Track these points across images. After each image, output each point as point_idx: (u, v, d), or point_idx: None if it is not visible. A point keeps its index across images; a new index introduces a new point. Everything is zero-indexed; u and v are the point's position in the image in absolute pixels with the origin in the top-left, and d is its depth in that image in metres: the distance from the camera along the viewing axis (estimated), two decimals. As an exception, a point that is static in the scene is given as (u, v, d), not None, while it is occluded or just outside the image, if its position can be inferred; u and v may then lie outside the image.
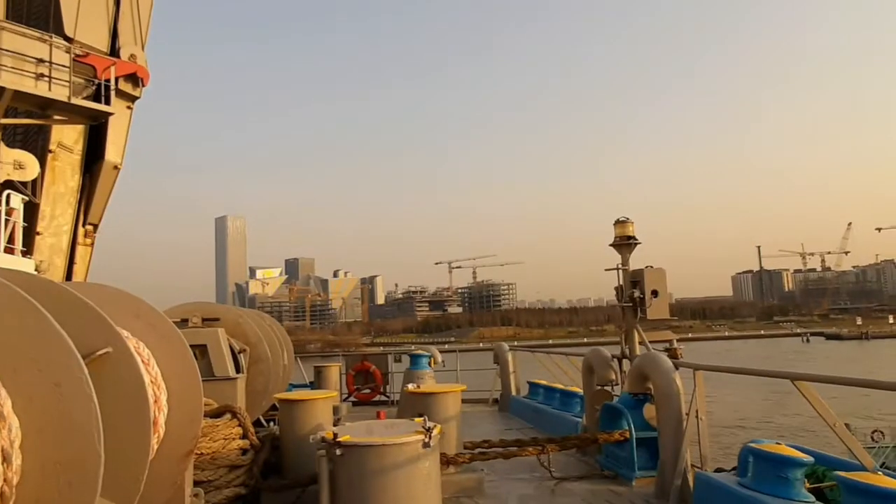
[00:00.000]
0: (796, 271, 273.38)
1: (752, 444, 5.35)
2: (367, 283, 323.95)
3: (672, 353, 6.59)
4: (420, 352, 12.55)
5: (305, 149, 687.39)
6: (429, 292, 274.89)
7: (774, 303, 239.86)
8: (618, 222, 7.60)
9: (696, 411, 5.86)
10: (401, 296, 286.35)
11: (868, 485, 4.04)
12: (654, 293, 7.08)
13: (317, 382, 13.45)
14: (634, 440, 6.58)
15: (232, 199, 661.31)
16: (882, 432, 20.28)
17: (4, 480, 2.19)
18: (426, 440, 4.95)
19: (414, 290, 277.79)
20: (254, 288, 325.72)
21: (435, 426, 5.13)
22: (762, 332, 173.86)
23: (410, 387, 7.10)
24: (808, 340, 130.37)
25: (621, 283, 7.54)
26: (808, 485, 5.04)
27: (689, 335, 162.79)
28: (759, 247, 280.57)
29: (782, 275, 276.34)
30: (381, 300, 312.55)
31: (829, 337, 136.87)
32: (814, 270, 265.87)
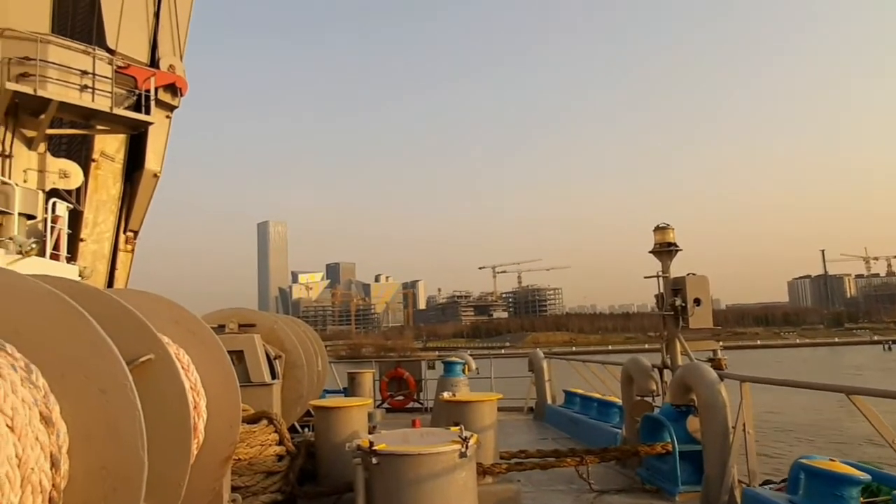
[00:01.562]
0: (857, 276, 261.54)
1: (804, 460, 5.11)
2: (409, 288, 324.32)
3: (716, 364, 6.37)
4: (454, 359, 12.46)
5: (344, 153, 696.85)
6: (473, 297, 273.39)
7: (842, 309, 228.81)
8: (657, 228, 7.40)
9: (744, 424, 5.64)
10: (444, 300, 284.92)
11: None
12: (697, 301, 6.87)
13: (350, 388, 13.48)
14: (678, 453, 6.37)
15: (273, 204, 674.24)
16: None
17: (53, 485, 2.19)
18: (463, 450, 4.87)
19: (459, 294, 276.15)
20: (297, 292, 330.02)
21: (471, 436, 5.05)
22: (836, 339, 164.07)
23: (446, 395, 7.03)
24: (889, 348, 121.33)
25: (662, 290, 7.34)
26: (862, 500, 4.80)
27: (758, 342, 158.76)
28: (823, 251, 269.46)
29: (844, 280, 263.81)
30: (422, 305, 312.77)
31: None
32: (877, 276, 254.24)
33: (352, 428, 6.69)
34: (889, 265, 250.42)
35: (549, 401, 12.94)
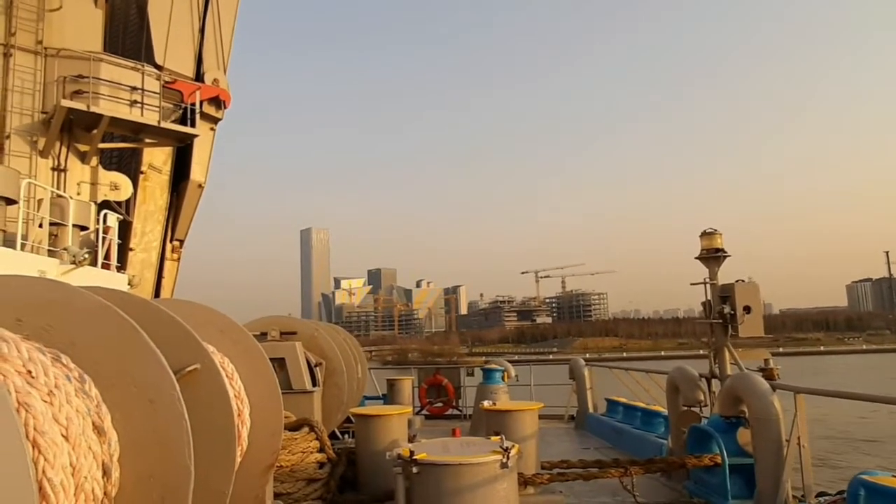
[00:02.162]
0: None
1: (865, 476, 4.86)
2: (451, 293, 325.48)
3: (768, 374, 6.13)
4: (493, 366, 12.37)
5: (385, 161, 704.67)
6: (516, 302, 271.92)
7: None
8: (704, 234, 7.19)
9: (798, 438, 5.40)
10: (487, 305, 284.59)
11: None
12: (747, 309, 6.62)
13: (389, 395, 13.53)
14: (727, 466, 6.14)
15: (315, 211, 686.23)
16: None
17: (105, 493, 2.24)
18: (504, 460, 4.80)
19: (502, 299, 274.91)
20: (340, 298, 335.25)
21: (513, 446, 4.98)
22: None
23: (486, 404, 6.96)
24: None
25: (709, 297, 7.12)
26: None
27: (821, 348, 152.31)
28: (887, 252, 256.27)
29: None
30: (464, 310, 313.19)
31: None
32: None
33: (392, 436, 6.70)
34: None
35: (591, 409, 12.70)
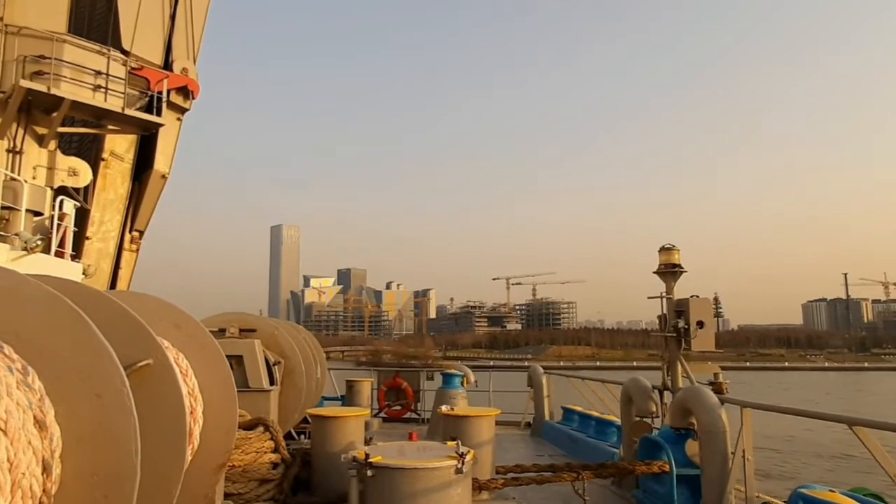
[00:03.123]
0: (874, 301, 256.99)
1: (804, 490, 5.05)
2: (421, 297, 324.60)
3: (717, 388, 6.31)
4: (453, 371, 12.41)
5: (358, 161, 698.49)
6: (486, 307, 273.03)
7: (864, 334, 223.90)
8: (663, 249, 7.38)
9: (743, 450, 5.57)
10: (458, 310, 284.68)
11: None
12: (700, 324, 6.82)
13: (348, 397, 13.44)
14: (675, 476, 6.30)
15: (286, 208, 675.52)
16: None
17: (44, 490, 2.18)
18: (459, 466, 4.84)
19: (473, 304, 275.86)
20: (310, 297, 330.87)
21: (468, 451, 5.02)
22: (866, 364, 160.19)
23: (444, 408, 6.99)
24: None
25: (665, 311, 7.30)
26: None
27: (785, 364, 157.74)
28: (846, 274, 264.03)
29: (861, 305, 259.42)
30: (433, 314, 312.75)
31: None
32: (895, 301, 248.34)
33: (348, 438, 6.66)
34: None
35: (548, 417, 12.86)
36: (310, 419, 7.58)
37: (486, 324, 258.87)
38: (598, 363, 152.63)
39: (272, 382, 7.69)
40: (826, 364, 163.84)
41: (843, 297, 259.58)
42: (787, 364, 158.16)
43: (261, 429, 6.19)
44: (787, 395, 68.91)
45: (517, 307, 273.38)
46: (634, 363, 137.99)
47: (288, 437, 8.57)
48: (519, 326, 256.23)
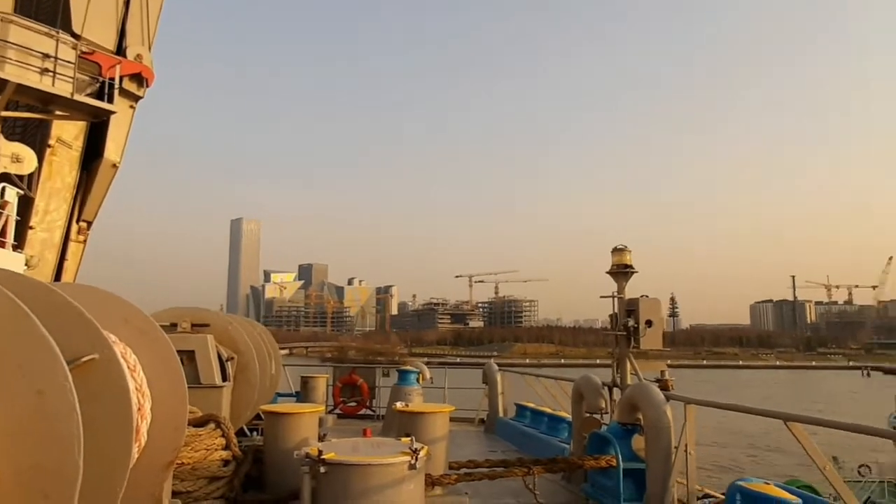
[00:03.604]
0: (817, 303, 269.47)
1: (741, 483, 5.30)
2: (383, 293, 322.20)
3: (663, 385, 6.55)
4: (409, 367, 12.45)
5: (320, 155, 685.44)
6: (449, 305, 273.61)
7: (809, 334, 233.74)
8: (615, 250, 7.59)
9: (686, 445, 5.81)
10: (421, 307, 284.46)
11: None
12: (649, 323, 7.06)
13: (303, 393, 13.32)
14: (622, 470, 6.51)
15: (246, 201, 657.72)
16: (869, 467, 20.22)
17: (-23, 488, 2.13)
18: (412, 462, 4.88)
19: (435, 302, 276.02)
20: (270, 292, 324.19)
21: (422, 448, 5.07)
22: (813, 363, 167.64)
23: (399, 405, 7.02)
24: (868, 374, 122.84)
25: (616, 310, 7.52)
26: None
27: (739, 363, 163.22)
28: (793, 276, 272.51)
29: (805, 306, 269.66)
30: (394, 310, 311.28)
31: (888, 371, 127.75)
32: (835, 303, 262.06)
33: (302, 434, 6.62)
34: (850, 293, 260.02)
35: (501, 413, 13.04)
36: (263, 415, 7.49)
37: (448, 321, 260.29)
38: (562, 360, 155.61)
39: (225, 378, 7.56)
40: (777, 363, 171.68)
41: (790, 298, 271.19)
42: (741, 362, 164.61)
43: (212, 425, 6.08)
44: (749, 392, 71.62)
45: (479, 305, 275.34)
46: (598, 360, 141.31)
47: (240, 433, 8.45)
48: (481, 324, 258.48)
